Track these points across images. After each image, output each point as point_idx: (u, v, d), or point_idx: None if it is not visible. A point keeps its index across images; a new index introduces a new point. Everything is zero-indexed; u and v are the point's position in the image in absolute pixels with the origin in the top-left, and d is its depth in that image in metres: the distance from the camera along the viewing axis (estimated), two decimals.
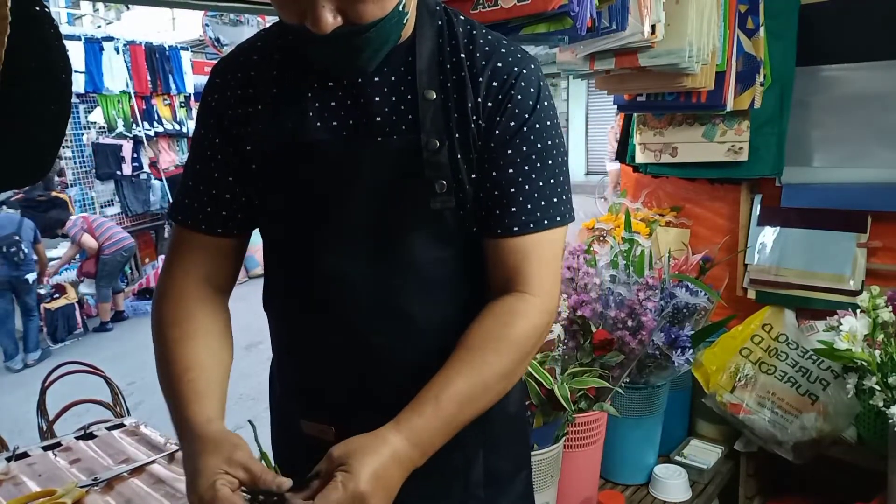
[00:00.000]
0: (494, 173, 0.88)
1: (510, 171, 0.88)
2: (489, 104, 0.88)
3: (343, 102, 0.89)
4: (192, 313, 0.91)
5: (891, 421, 1.38)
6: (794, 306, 1.97)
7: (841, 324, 1.48)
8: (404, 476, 0.79)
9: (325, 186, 0.89)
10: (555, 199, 0.90)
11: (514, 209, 0.88)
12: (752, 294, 2.03)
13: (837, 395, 1.70)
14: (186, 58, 8.51)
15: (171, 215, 0.98)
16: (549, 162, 0.90)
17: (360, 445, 0.76)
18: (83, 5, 11.11)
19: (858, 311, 1.51)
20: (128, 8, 10.94)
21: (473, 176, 0.88)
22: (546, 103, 0.90)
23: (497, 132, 0.88)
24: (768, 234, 2.01)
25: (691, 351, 1.60)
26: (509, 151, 0.88)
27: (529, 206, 0.88)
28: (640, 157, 2.13)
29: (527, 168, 0.88)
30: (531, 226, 0.88)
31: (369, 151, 0.88)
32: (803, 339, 1.89)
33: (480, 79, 0.88)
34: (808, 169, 1.97)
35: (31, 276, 5.76)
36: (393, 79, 0.88)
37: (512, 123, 0.88)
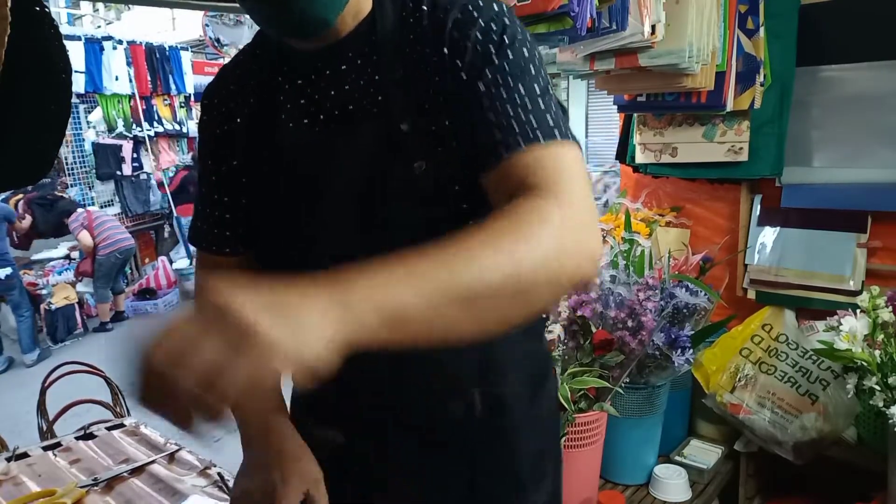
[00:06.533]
0: (473, 112, 0.79)
1: (486, 101, 0.78)
2: (454, 53, 0.81)
3: (312, 98, 0.88)
4: None
5: (891, 421, 1.38)
6: (794, 306, 1.96)
7: (841, 324, 1.48)
8: (309, 298, 0.56)
9: (306, 185, 0.88)
10: (548, 118, 0.78)
11: (499, 135, 0.77)
12: (752, 294, 2.02)
13: (837, 396, 1.70)
14: (186, 58, 8.49)
15: (189, 240, 1.04)
16: (534, 86, 0.80)
17: None
18: (83, 5, 11.09)
19: (858, 311, 1.51)
20: (128, 8, 10.93)
21: (455, 145, 0.81)
22: (516, 45, 0.81)
23: (463, 73, 0.80)
24: (768, 235, 2.01)
25: (691, 351, 1.60)
26: (481, 86, 0.79)
27: (516, 128, 0.77)
28: (640, 158, 2.13)
29: (505, 95, 0.78)
30: (531, 136, 0.76)
31: (343, 143, 0.86)
32: (803, 339, 1.89)
33: (442, 35, 0.82)
34: (808, 169, 1.96)
35: (4, 272, 5.40)
36: (359, 62, 0.86)
37: (478, 61, 0.80)
